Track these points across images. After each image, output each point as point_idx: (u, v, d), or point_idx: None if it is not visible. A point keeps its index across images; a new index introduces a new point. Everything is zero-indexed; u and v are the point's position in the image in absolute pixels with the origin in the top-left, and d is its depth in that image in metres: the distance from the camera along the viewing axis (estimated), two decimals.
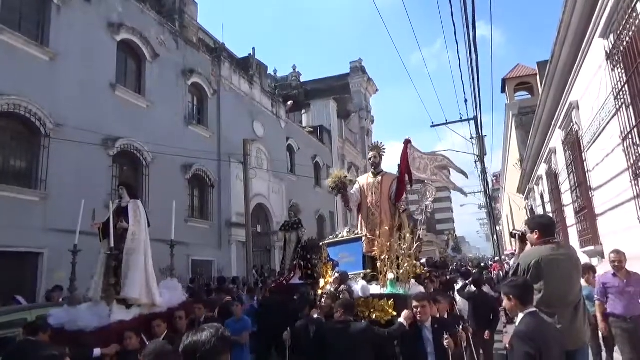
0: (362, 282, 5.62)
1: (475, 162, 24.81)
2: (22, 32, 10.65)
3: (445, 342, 4.17)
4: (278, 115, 22.76)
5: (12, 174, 10.38)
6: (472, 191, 37.85)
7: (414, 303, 4.50)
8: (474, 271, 15.75)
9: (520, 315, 3.10)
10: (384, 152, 7.07)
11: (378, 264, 5.75)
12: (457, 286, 9.70)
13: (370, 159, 7.18)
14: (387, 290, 5.46)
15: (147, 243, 5.90)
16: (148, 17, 14.86)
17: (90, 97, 12.04)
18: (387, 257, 5.62)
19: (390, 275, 5.49)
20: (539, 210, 15.06)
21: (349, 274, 5.89)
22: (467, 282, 8.53)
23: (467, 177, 8.28)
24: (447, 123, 20.42)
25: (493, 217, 31.01)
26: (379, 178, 6.78)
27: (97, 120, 11.91)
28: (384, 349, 4.70)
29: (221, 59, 18.44)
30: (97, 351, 4.77)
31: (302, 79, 34.91)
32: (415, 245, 5.72)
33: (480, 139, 22.07)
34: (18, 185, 10.22)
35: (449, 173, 7.49)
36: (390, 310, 5.14)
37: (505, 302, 3.24)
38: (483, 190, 28.67)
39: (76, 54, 11.87)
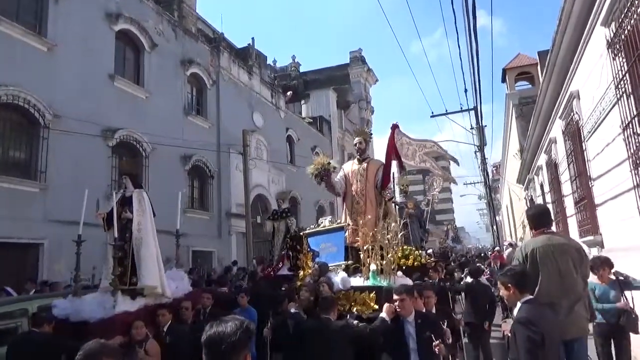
0: (342, 274, 5.35)
1: (475, 152, 24.80)
2: (19, 22, 10.58)
3: (435, 349, 3.94)
4: (277, 106, 22.69)
5: (12, 165, 10.37)
6: (472, 181, 37.85)
7: (394, 296, 4.29)
8: (475, 261, 15.82)
9: (519, 304, 3.12)
10: (371, 138, 6.87)
11: (361, 255, 5.46)
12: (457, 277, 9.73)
13: (355, 144, 6.77)
14: (369, 282, 5.22)
15: (154, 233, 5.83)
16: (146, 7, 14.75)
17: (89, 88, 12.00)
18: (370, 247, 5.34)
19: (373, 267, 5.24)
20: (539, 201, 15.06)
21: (329, 265, 5.63)
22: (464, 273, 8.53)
23: (458, 164, 8.11)
24: (447, 113, 20.40)
25: (493, 208, 31.03)
26: (365, 165, 6.46)
27: (96, 111, 11.87)
28: (368, 345, 4.50)
29: (220, 49, 18.35)
30: None
31: (302, 69, 34.73)
32: (400, 235, 5.47)
33: (480, 129, 22.02)
34: (17, 176, 10.21)
35: (435, 161, 7.25)
36: (372, 304, 4.92)
37: (503, 292, 3.25)
38: (483, 180, 28.67)
39: (74, 44, 11.81)
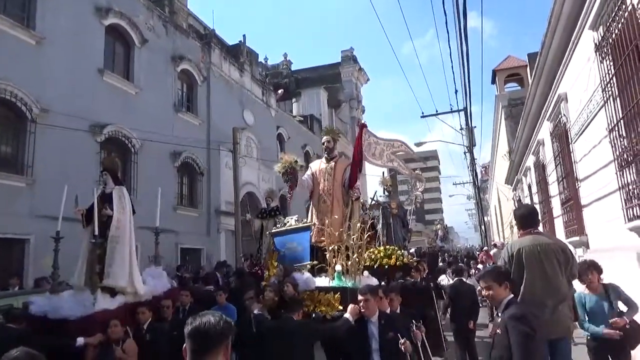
0: (307, 274, 5.31)
1: (465, 152, 24.96)
2: (7, 15, 10.42)
3: (402, 347, 3.92)
4: (268, 104, 22.63)
5: None
6: (461, 181, 38.09)
7: (359, 297, 4.27)
8: (464, 260, 15.91)
9: (504, 302, 3.13)
10: (339, 137, 6.91)
11: (327, 255, 5.39)
12: (444, 277, 9.77)
13: (323, 143, 6.69)
14: (334, 283, 5.17)
15: (132, 230, 5.79)
16: (137, 2, 14.62)
17: (78, 83, 11.87)
18: (336, 247, 5.29)
19: (338, 267, 5.19)
20: (527, 201, 15.21)
21: (295, 265, 5.57)
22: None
23: (424, 163, 8.17)
24: (437, 114, 20.53)
25: (481, 208, 31.26)
26: (332, 164, 6.43)
27: (84, 106, 11.75)
28: (335, 344, 4.49)
29: (211, 46, 18.24)
30: (80, 340, 4.68)
31: (293, 68, 34.68)
32: (365, 236, 5.41)
33: (470, 130, 22.17)
34: (4, 171, 10.08)
35: (404, 161, 7.21)
36: (337, 305, 4.88)
37: (485, 292, 3.25)
38: (472, 180, 28.87)
39: (63, 38, 11.67)
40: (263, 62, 31.88)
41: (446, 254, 20.79)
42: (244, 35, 22.17)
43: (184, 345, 1.84)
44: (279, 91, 25.99)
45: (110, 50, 13.59)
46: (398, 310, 5.06)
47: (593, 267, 4.49)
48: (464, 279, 7.92)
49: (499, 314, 3.21)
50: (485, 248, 19.22)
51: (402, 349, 3.90)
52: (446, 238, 28.82)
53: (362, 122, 7.20)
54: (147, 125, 13.38)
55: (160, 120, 14.50)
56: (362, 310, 4.21)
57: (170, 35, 16.02)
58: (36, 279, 8.97)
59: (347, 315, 4.35)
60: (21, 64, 10.51)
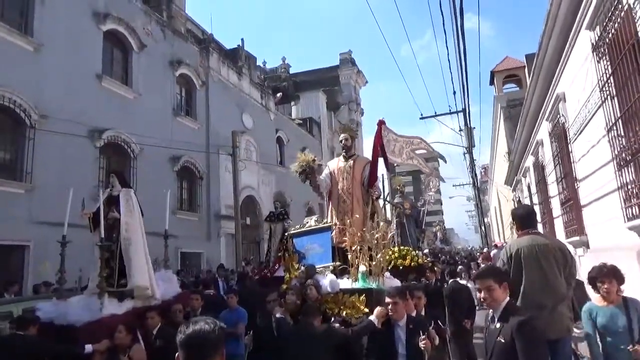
0: (331, 276, 5.14)
1: (464, 154, 24.95)
2: (5, 21, 10.45)
3: (421, 343, 3.74)
4: (267, 107, 22.66)
5: None
6: (461, 183, 38.09)
7: (386, 299, 4.04)
8: (464, 262, 15.88)
9: (502, 306, 2.94)
10: (357, 134, 6.72)
11: (349, 256, 5.22)
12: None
13: (341, 141, 6.44)
14: (359, 284, 4.98)
15: (143, 233, 5.71)
16: (134, 7, 14.66)
17: (76, 88, 11.88)
18: (358, 248, 5.12)
19: (362, 268, 5.03)
20: (527, 202, 15.20)
21: (316, 267, 5.40)
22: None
23: (445, 161, 7.98)
24: (435, 115, 20.51)
25: (481, 209, 31.26)
26: (351, 162, 6.22)
27: (83, 112, 11.76)
28: (349, 347, 4.31)
29: (209, 50, 18.28)
30: (88, 347, 4.56)
31: (292, 71, 34.75)
32: (390, 235, 5.29)
33: (469, 131, 22.17)
34: (3, 177, 10.08)
35: (424, 159, 7.03)
36: (362, 307, 4.70)
37: (484, 294, 3.01)
38: (471, 182, 28.87)
39: (61, 44, 11.68)
40: (261, 65, 31.93)
41: (444, 256, 20.77)
42: (242, 39, 22.32)
43: (177, 354, 1.74)
44: (278, 94, 26.03)
45: (109, 56, 13.62)
46: (423, 312, 4.90)
47: (613, 274, 3.62)
48: (459, 280, 7.91)
49: (494, 319, 2.99)
50: (485, 249, 19.19)
51: (422, 346, 3.73)
52: (446, 240, 28.80)
53: (381, 118, 7.20)
54: (146, 130, 13.38)
55: (159, 125, 14.51)
56: (390, 313, 4.01)
57: (168, 40, 16.04)
58: (34, 285, 8.95)
59: (372, 317, 4.15)
60: (19, 70, 10.53)
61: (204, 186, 16.87)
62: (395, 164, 6.83)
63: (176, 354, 1.74)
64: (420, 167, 6.99)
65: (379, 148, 6.01)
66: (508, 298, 3.00)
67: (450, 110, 19.78)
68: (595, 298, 3.76)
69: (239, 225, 14.87)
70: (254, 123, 20.61)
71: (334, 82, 34.75)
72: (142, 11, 14.96)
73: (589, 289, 3.91)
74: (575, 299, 5.13)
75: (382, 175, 12.73)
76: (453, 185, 41.02)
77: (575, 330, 4.84)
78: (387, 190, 11.67)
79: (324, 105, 31.30)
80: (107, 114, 12.71)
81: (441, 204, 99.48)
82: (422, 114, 21.88)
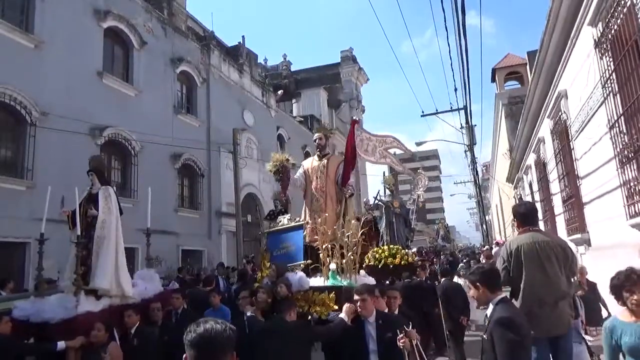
0: (300, 274, 5.15)
1: (465, 151, 24.93)
2: (5, 18, 10.42)
3: (400, 342, 3.76)
4: (268, 105, 22.63)
5: None
6: (462, 180, 38.08)
7: (355, 296, 4.11)
8: (464, 260, 15.90)
9: (493, 303, 3.01)
10: (332, 134, 6.78)
11: (320, 254, 5.25)
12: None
13: (315, 140, 6.59)
14: (329, 282, 5.04)
15: (119, 231, 5.64)
16: (135, 4, 14.62)
17: (77, 85, 11.87)
18: (329, 246, 5.15)
19: (332, 266, 5.06)
20: (528, 200, 15.18)
21: (288, 265, 5.41)
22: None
23: (416, 158, 8.05)
24: (437, 113, 20.53)
25: (482, 207, 31.23)
26: (325, 161, 6.33)
27: (84, 109, 11.74)
28: (335, 347, 4.35)
29: (210, 47, 18.24)
30: (61, 344, 4.53)
31: (293, 68, 34.68)
32: (360, 233, 5.30)
33: (470, 129, 22.15)
34: (4, 174, 10.07)
35: (400, 160, 7.04)
36: (332, 304, 4.74)
37: (472, 291, 3.13)
38: (473, 179, 28.84)
39: (62, 41, 11.66)
40: (262, 63, 31.87)
41: (445, 254, 20.81)
42: (243, 37, 22.24)
43: (185, 355, 1.67)
44: (279, 92, 25.99)
45: (109, 53, 13.59)
46: (397, 311, 4.94)
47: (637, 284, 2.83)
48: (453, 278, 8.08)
49: (487, 316, 3.07)
50: (486, 247, 19.19)
51: (400, 345, 3.76)
52: (447, 237, 28.79)
53: (354, 118, 7.16)
54: (147, 127, 13.37)
55: (160, 122, 14.49)
56: (358, 310, 4.09)
57: (169, 37, 16.01)
58: (36, 283, 8.94)
59: (342, 315, 4.22)
60: (20, 67, 10.51)
61: (205, 184, 16.85)
62: (368, 163, 6.85)
63: (184, 355, 1.68)
64: (393, 166, 7.00)
65: (352, 147, 6.04)
66: (501, 296, 3.04)
67: (451, 108, 19.80)
68: (619, 312, 2.96)
69: (239, 222, 14.87)
70: (255, 120, 20.58)
71: (335, 80, 34.67)
72: (143, 8, 14.93)
73: (608, 298, 3.74)
74: (586, 302, 5.12)
75: (383, 173, 12.72)
76: (454, 183, 41.07)
77: (588, 338, 4.78)
78: (380, 189, 11.67)
79: (325, 103, 31.26)
80: (107, 111, 12.69)
81: (442, 202, 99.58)
82: (423, 112, 21.87)
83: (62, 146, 10.96)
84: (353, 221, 5.43)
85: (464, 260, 16.48)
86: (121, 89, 13.60)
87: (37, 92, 10.73)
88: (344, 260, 5.14)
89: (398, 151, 6.94)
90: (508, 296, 3.34)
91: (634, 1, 4.59)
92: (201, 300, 7.03)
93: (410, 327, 4.16)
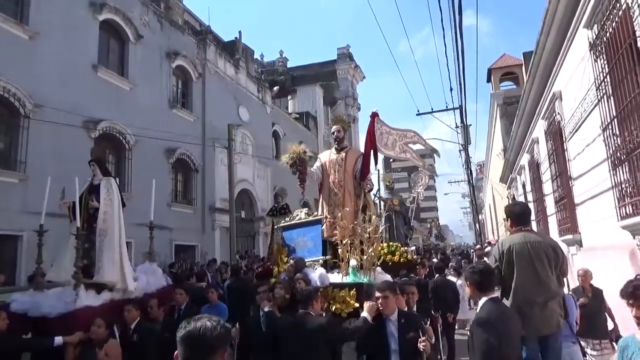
0: (320, 270, 5.06)
1: (460, 151, 25.02)
2: (0, 9, 10.32)
3: (421, 345, 3.67)
4: (264, 101, 22.58)
5: None
6: (456, 180, 38.19)
7: (376, 294, 3.98)
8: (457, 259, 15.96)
9: (481, 302, 3.07)
10: (349, 125, 6.60)
11: (339, 250, 5.13)
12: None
13: (333, 132, 6.34)
14: (349, 278, 4.91)
15: (121, 223, 5.53)
16: None
17: (72, 78, 11.79)
18: (349, 241, 5.05)
19: (353, 262, 4.94)
20: (521, 200, 15.26)
21: (305, 260, 5.31)
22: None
23: (439, 156, 7.96)
24: (432, 112, 20.55)
25: (476, 206, 31.39)
26: (343, 154, 6.12)
27: (78, 102, 11.67)
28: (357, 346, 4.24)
29: (206, 42, 18.17)
30: (58, 339, 4.38)
31: (289, 65, 34.62)
32: (381, 229, 5.28)
33: (465, 128, 22.22)
34: None
35: (420, 155, 6.84)
36: (352, 302, 4.62)
37: (467, 289, 3.31)
38: (466, 179, 28.96)
39: (57, 33, 11.57)
40: (259, 58, 31.79)
41: (436, 253, 20.87)
42: (239, 32, 22.13)
43: (175, 352, 1.67)
44: (275, 88, 25.93)
45: (105, 46, 13.50)
46: (415, 308, 4.84)
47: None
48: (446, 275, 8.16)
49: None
50: (478, 246, 19.28)
51: (421, 347, 3.66)
52: (440, 236, 28.94)
53: (374, 110, 6.99)
54: (141, 122, 13.31)
55: (155, 117, 14.43)
56: (380, 308, 3.94)
57: (165, 31, 15.93)
58: (29, 275, 8.91)
59: (364, 314, 4.07)
60: (14, 59, 10.42)
61: (199, 179, 16.81)
62: (391, 159, 6.80)
63: (175, 353, 1.68)
64: (413, 161, 6.88)
65: (372, 141, 5.89)
66: (492, 295, 3.09)
67: (447, 107, 19.84)
68: (637, 331, 2.50)
69: (233, 218, 14.85)
70: (250, 116, 20.54)
71: (331, 77, 34.63)
72: (139, 1, 14.83)
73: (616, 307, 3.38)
74: (589, 310, 5.08)
75: (378, 170, 12.76)
76: (448, 182, 41.22)
77: (592, 353, 4.72)
78: (379, 186, 11.76)
79: (321, 100, 31.23)
80: (102, 105, 12.62)
81: (436, 201, 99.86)
82: (418, 110, 21.90)
83: (55, 139, 10.89)
84: (374, 217, 5.28)
85: (457, 259, 16.53)
86: (116, 83, 13.53)
87: (31, 84, 10.64)
88: (365, 257, 5.02)
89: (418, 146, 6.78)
90: (499, 296, 3.38)
91: (630, 4, 4.63)
92: (199, 296, 7.00)
93: (427, 324, 4.12)
